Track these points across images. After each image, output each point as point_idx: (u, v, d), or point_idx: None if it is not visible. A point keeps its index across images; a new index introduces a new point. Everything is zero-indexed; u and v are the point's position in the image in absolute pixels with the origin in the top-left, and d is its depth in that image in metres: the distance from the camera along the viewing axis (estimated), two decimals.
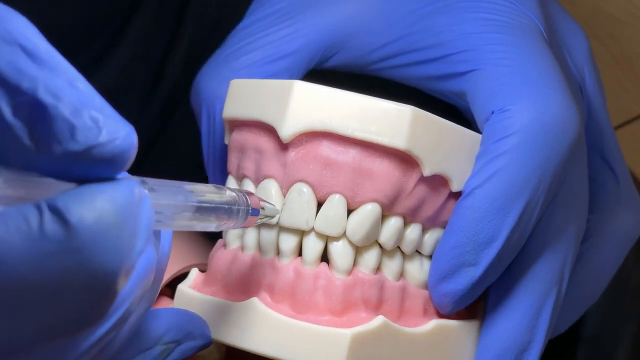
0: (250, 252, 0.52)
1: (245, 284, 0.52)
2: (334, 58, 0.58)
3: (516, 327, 0.52)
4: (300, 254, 0.51)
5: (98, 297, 0.35)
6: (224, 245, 0.54)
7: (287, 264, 0.51)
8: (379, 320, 0.50)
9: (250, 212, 0.47)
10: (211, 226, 0.45)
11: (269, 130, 0.52)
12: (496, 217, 0.50)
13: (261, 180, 0.52)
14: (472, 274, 0.51)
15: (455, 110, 0.60)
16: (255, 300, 0.50)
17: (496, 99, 0.51)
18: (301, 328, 0.49)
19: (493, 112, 0.51)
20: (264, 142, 0.52)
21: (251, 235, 0.52)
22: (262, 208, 0.48)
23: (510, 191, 0.50)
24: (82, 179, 0.35)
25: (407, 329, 0.51)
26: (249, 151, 0.53)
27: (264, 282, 0.51)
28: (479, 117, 0.53)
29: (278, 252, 0.51)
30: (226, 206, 0.45)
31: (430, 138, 0.50)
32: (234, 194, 0.46)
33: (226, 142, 0.55)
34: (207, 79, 0.58)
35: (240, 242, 0.53)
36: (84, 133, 0.35)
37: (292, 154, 0.51)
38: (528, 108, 0.51)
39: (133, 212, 0.36)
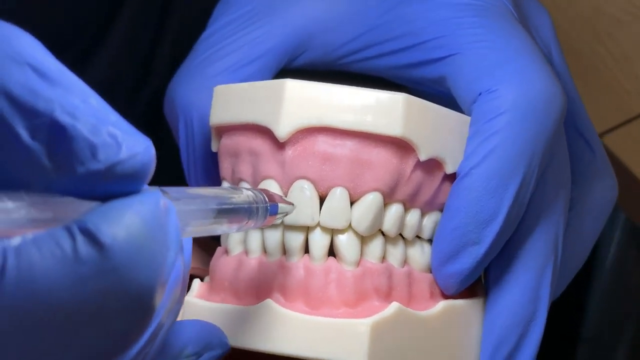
0: (255, 255, 0.52)
1: (255, 287, 0.52)
2: (301, 57, 0.58)
3: (520, 298, 0.53)
4: (306, 251, 0.51)
5: (138, 314, 0.35)
6: (226, 252, 0.54)
7: (297, 262, 0.51)
8: (394, 306, 0.50)
9: (269, 210, 0.47)
10: (233, 228, 0.45)
11: (263, 131, 0.52)
12: (496, 194, 0.51)
13: (259, 182, 0.52)
14: (476, 252, 0.52)
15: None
16: (269, 301, 0.50)
17: (482, 81, 0.53)
18: (320, 323, 0.49)
19: (480, 94, 0.53)
20: (258, 143, 0.52)
21: (254, 238, 0.52)
22: (291, 203, 0.48)
23: (507, 168, 0.51)
24: (105, 196, 0.35)
25: (420, 313, 0.52)
26: (243, 154, 0.53)
27: (275, 284, 0.51)
28: (464, 100, 0.54)
29: (284, 252, 0.51)
30: (246, 206, 0.45)
31: (424, 123, 0.51)
32: (250, 192, 0.46)
33: (213, 149, 0.55)
34: (181, 89, 0.57)
35: (243, 247, 0.53)
36: (104, 151, 0.34)
37: (289, 152, 0.51)
38: (515, 86, 0.52)
39: (161, 224, 0.35)
